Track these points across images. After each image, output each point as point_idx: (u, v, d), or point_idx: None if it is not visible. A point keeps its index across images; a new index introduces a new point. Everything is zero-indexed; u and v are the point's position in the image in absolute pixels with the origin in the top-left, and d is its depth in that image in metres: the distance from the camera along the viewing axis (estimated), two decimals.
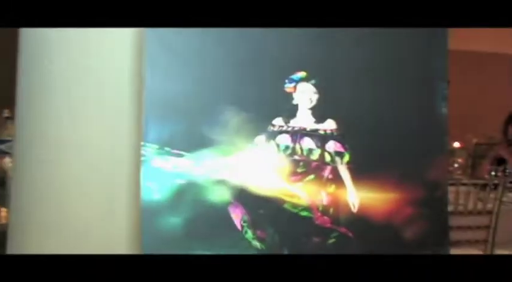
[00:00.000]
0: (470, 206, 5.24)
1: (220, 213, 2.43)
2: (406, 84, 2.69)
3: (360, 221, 2.59)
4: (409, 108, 2.70)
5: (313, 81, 2.53)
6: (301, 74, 2.53)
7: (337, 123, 2.58)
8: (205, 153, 2.42)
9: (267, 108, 2.50)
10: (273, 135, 2.49)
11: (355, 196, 2.57)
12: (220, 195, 2.42)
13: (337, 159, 2.57)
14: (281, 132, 2.50)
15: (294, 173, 2.51)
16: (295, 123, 2.53)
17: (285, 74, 2.52)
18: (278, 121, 2.51)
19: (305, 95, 2.52)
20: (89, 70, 3.19)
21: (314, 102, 2.54)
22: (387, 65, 2.67)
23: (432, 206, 2.71)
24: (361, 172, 2.60)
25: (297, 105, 2.54)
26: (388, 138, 2.66)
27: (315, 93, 2.53)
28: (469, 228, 5.18)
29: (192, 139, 2.42)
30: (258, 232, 2.46)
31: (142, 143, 2.35)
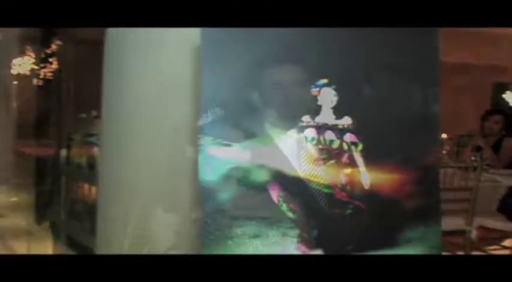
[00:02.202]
0: (455, 184, 5.20)
1: (261, 190, 2.39)
2: (407, 89, 2.65)
3: (371, 196, 2.55)
4: (409, 108, 2.66)
5: (333, 86, 2.50)
6: (324, 80, 2.50)
7: (353, 119, 2.54)
8: (249, 144, 2.40)
9: (297, 107, 2.47)
10: (302, 129, 2.46)
11: (367, 176, 2.54)
12: (261, 176, 2.38)
13: (353, 147, 2.53)
14: (308, 126, 2.46)
15: (319, 159, 2.48)
16: (319, 119, 2.50)
17: (311, 80, 2.49)
18: (306, 118, 2.48)
19: (327, 97, 2.48)
20: (158, 79, 3.18)
21: (334, 103, 2.51)
22: (393, 74, 2.63)
23: (427, 184, 2.67)
24: (372, 158, 2.57)
25: (320, 105, 2.50)
26: (392, 131, 2.62)
27: (334, 95, 2.50)
28: (454, 200, 5.13)
29: (238, 132, 2.40)
30: (291, 205, 2.42)
31: (200, 136, 2.33)
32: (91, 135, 5.06)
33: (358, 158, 2.54)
